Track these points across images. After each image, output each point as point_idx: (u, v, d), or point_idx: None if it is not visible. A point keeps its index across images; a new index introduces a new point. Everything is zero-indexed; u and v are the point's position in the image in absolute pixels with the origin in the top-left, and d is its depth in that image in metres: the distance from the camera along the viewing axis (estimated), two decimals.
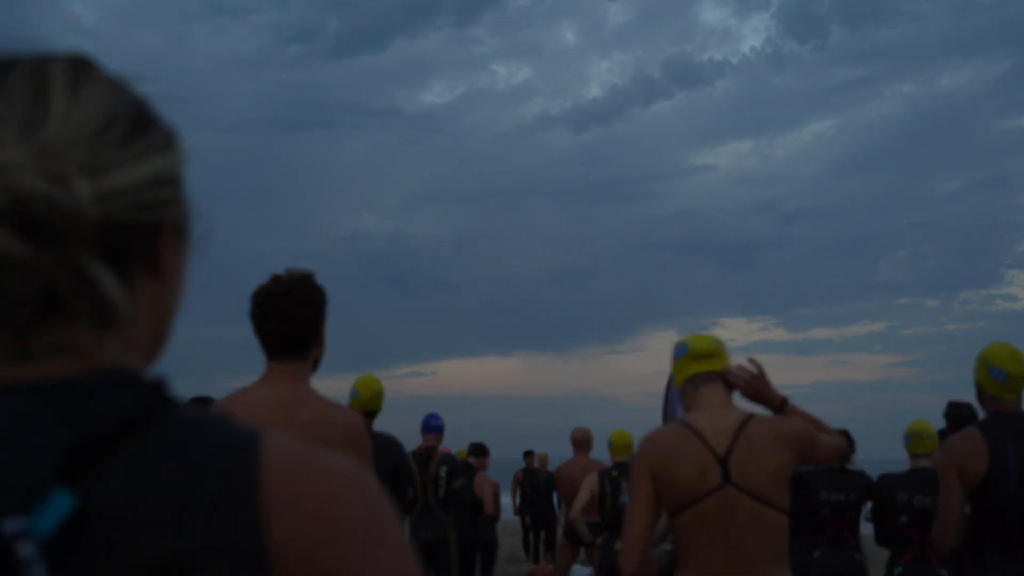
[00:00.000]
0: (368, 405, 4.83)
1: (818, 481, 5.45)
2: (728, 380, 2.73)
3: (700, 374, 2.72)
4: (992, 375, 3.38)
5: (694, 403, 2.70)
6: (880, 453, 9.53)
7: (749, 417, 2.61)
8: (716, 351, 2.77)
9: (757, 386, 2.74)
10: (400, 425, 10.44)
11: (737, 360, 2.81)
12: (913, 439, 5.13)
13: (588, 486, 6.35)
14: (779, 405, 2.74)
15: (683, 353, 2.76)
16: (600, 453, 7.33)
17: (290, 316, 2.48)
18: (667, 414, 9.68)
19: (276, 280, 2.52)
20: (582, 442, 7.58)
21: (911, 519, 4.92)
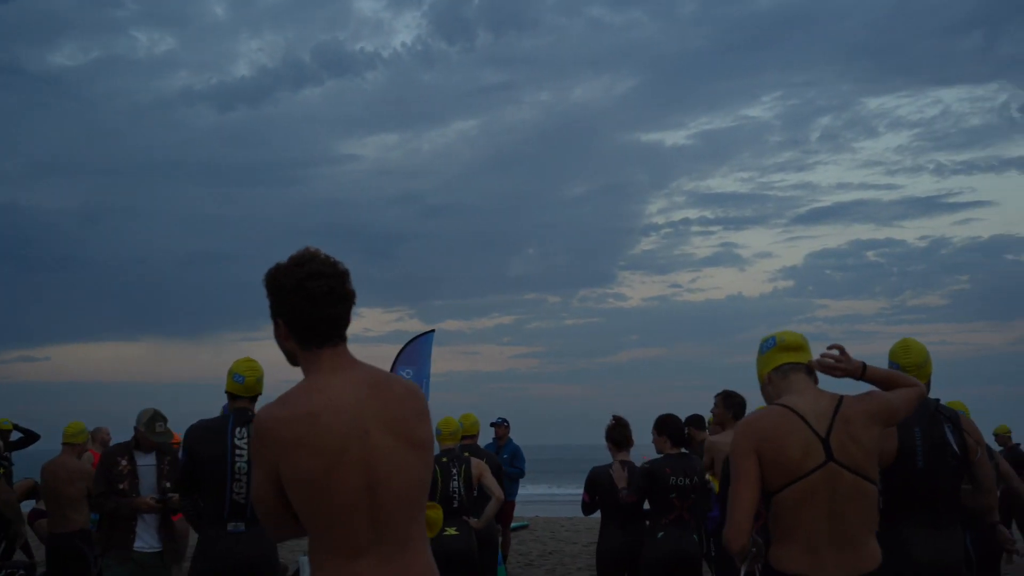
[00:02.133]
0: (254, 389, 4.62)
1: (667, 467, 5.86)
2: (818, 369, 2.97)
3: (789, 363, 2.96)
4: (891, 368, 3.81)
5: (785, 389, 2.93)
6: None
7: (841, 399, 2.85)
8: (803, 344, 3.00)
9: (843, 367, 2.96)
10: (7, 414, 9.37)
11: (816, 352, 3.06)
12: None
13: None
14: (860, 372, 2.97)
15: (772, 345, 3.00)
16: None
17: (348, 297, 2.35)
18: None
19: (318, 260, 2.33)
20: None
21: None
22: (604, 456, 6.41)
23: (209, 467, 4.41)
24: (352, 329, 2.38)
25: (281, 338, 2.34)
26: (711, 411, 6.68)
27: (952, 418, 3.80)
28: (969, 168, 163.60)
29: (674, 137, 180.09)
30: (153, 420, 5.49)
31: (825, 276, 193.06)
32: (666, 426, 5.96)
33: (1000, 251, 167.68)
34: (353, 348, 2.38)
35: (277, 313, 2.32)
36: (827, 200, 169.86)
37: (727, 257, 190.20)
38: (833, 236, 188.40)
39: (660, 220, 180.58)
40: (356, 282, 2.41)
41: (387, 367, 10.47)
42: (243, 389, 4.60)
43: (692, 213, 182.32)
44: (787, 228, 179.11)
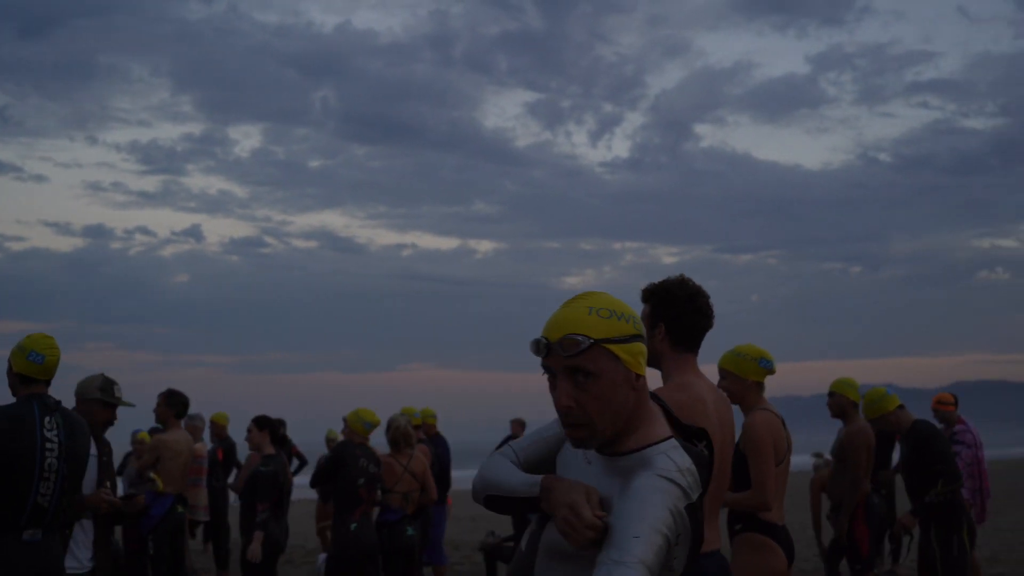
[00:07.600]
0: (53, 371, 3.84)
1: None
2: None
3: (763, 383, 4.04)
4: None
5: (760, 400, 3.99)
6: None
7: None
8: None
9: None
10: None
11: None
12: (365, 422, 6.27)
13: None
14: None
15: (768, 367, 4.00)
16: None
17: (713, 317, 3.08)
18: None
19: (692, 282, 3.04)
20: None
21: (366, 482, 5.99)
22: None
23: (15, 464, 3.60)
24: None
25: (655, 340, 2.99)
26: (154, 410, 7.06)
27: None
28: None
29: None
30: (110, 384, 4.62)
31: None
32: (267, 423, 6.47)
33: None
34: None
35: (661, 318, 3.01)
36: None
37: None
38: None
39: None
40: None
41: None
42: (41, 371, 3.78)
43: None
44: None
